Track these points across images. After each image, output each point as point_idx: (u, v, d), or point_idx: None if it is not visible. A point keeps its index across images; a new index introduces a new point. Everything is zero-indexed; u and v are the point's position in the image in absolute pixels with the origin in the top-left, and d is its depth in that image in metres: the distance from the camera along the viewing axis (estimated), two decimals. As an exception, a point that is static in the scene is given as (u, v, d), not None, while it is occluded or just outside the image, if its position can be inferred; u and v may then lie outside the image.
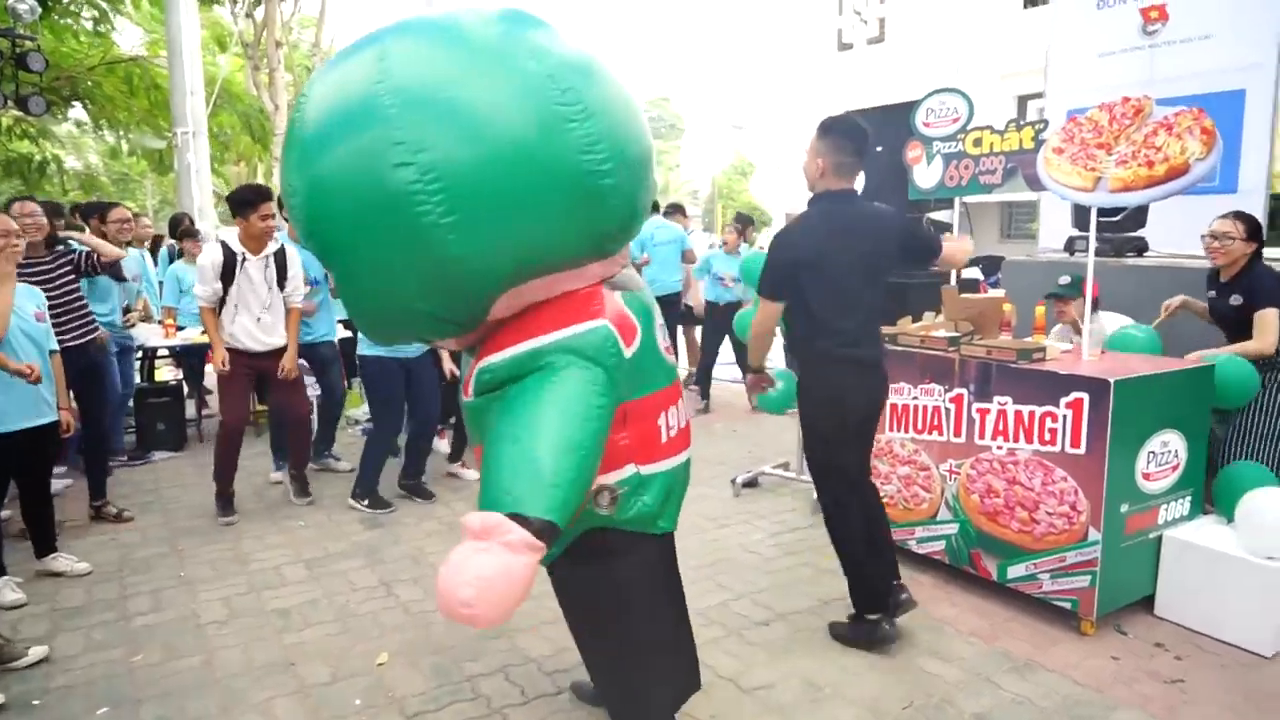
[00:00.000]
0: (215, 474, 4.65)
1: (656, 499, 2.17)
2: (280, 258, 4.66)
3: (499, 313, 2.02)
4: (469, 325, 2.03)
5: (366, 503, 4.75)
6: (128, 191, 28.74)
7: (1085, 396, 3.12)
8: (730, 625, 3.35)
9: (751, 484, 5.11)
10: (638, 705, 2.33)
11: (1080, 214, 5.04)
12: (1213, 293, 3.82)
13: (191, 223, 7.89)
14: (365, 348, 4.64)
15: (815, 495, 4.68)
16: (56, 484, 4.51)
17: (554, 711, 2.77)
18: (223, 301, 4.54)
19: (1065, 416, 3.19)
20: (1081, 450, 3.16)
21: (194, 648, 3.22)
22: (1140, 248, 4.94)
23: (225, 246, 4.54)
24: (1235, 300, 3.64)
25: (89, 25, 12.67)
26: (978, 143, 3.83)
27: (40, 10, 8.63)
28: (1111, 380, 3.06)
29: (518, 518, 1.74)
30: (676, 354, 6.95)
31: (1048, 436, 3.26)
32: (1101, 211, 5.02)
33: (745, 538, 4.31)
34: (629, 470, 2.11)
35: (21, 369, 3.37)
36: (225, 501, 4.67)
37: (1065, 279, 4.14)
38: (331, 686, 2.93)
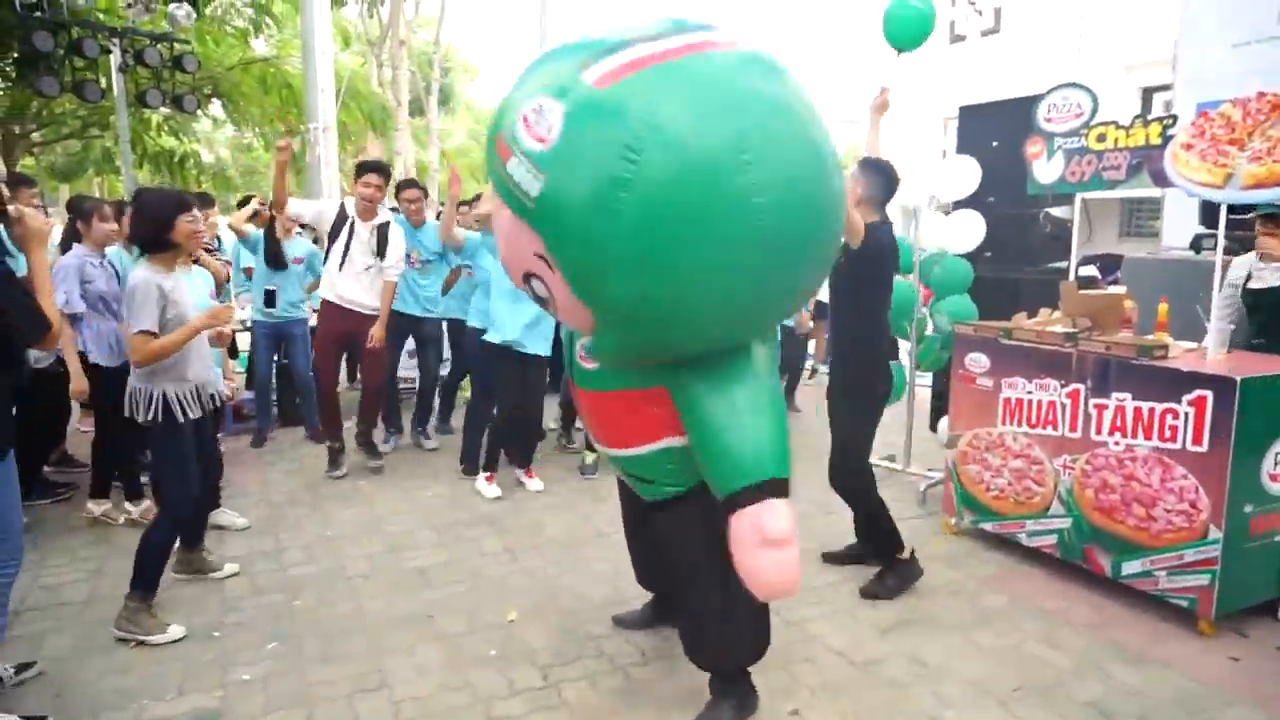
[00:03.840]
0: (323, 428, 5.27)
1: None
2: (383, 230, 5.07)
3: None
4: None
5: (463, 469, 5.23)
6: (253, 183, 30.52)
7: (1209, 394, 3.11)
8: (840, 604, 3.47)
9: (856, 474, 5.18)
10: (730, 649, 2.61)
11: (1208, 211, 4.91)
12: None
13: None
14: (474, 323, 5.08)
15: (921, 488, 4.77)
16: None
17: (674, 669, 2.95)
18: (328, 255, 5.07)
19: (1187, 414, 3.18)
20: (1204, 448, 3.14)
21: (344, 596, 3.55)
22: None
23: (343, 207, 5.06)
24: None
25: (241, 28, 13.55)
26: (1101, 138, 3.81)
27: (195, 15, 9.34)
28: (1238, 378, 3.04)
29: (772, 482, 2.16)
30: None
31: (1168, 433, 3.25)
32: (1231, 209, 4.91)
33: (849, 525, 4.40)
34: None
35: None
36: (333, 455, 5.20)
37: None
38: (467, 637, 3.21)
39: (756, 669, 2.86)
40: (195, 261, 4.16)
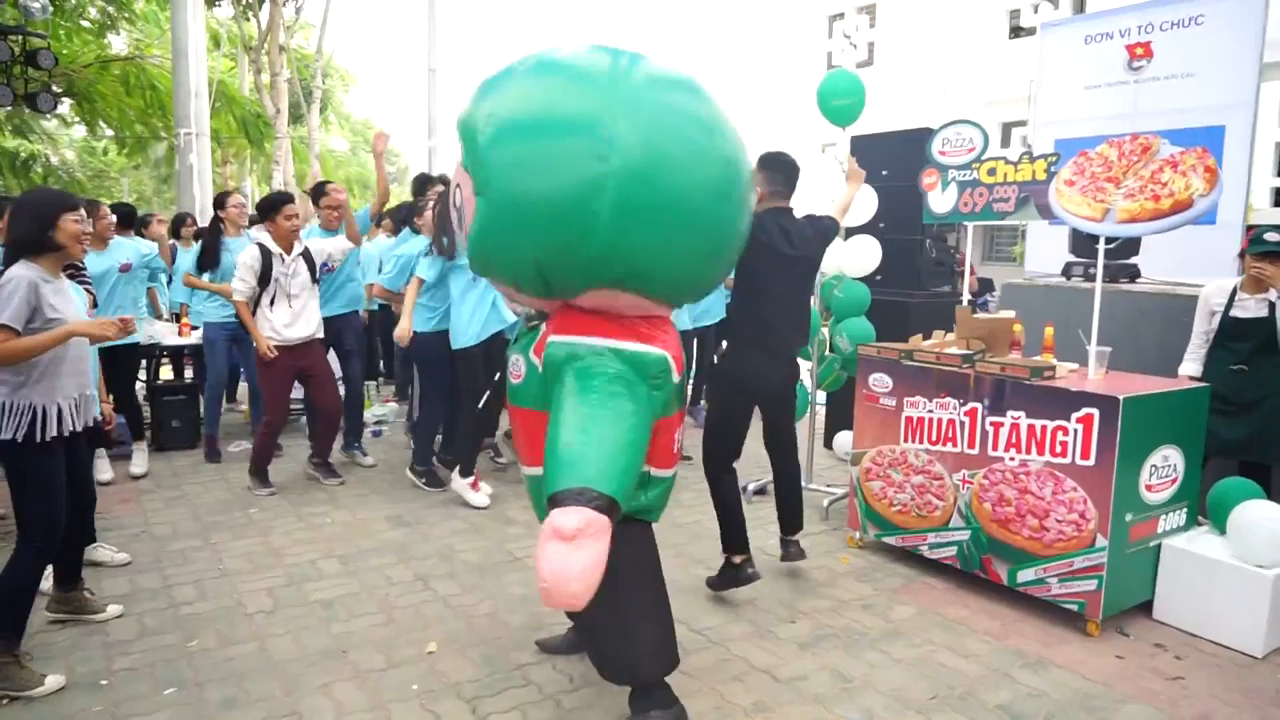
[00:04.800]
0: (253, 466, 5.15)
1: (656, 498, 2.76)
2: (307, 255, 5.03)
3: (584, 303, 2.56)
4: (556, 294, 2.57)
5: (424, 480, 5.24)
6: (103, 188, 28.50)
7: (1096, 412, 3.36)
8: (760, 623, 3.53)
9: (761, 492, 5.30)
10: (633, 665, 2.70)
11: (1078, 241, 5.33)
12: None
13: (194, 222, 7.97)
14: (420, 326, 5.06)
15: (825, 503, 4.93)
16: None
17: (602, 694, 2.93)
18: (258, 299, 4.88)
19: (1076, 430, 3.43)
20: (1091, 462, 3.39)
21: (246, 634, 3.34)
22: (1133, 274, 5.22)
23: (262, 247, 4.87)
24: None
25: (95, 20, 12.67)
26: (992, 172, 4.08)
27: (51, 8, 8.67)
28: (1121, 398, 3.30)
29: (589, 492, 2.20)
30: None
31: (1059, 449, 3.49)
32: (1094, 239, 5.33)
33: (760, 542, 4.48)
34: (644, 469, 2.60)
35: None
36: (263, 477, 5.15)
37: (1275, 235, 3.76)
38: (387, 673, 3.07)
39: (689, 693, 2.88)
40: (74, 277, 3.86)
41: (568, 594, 2.06)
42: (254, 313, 4.92)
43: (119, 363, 5.18)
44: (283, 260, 4.92)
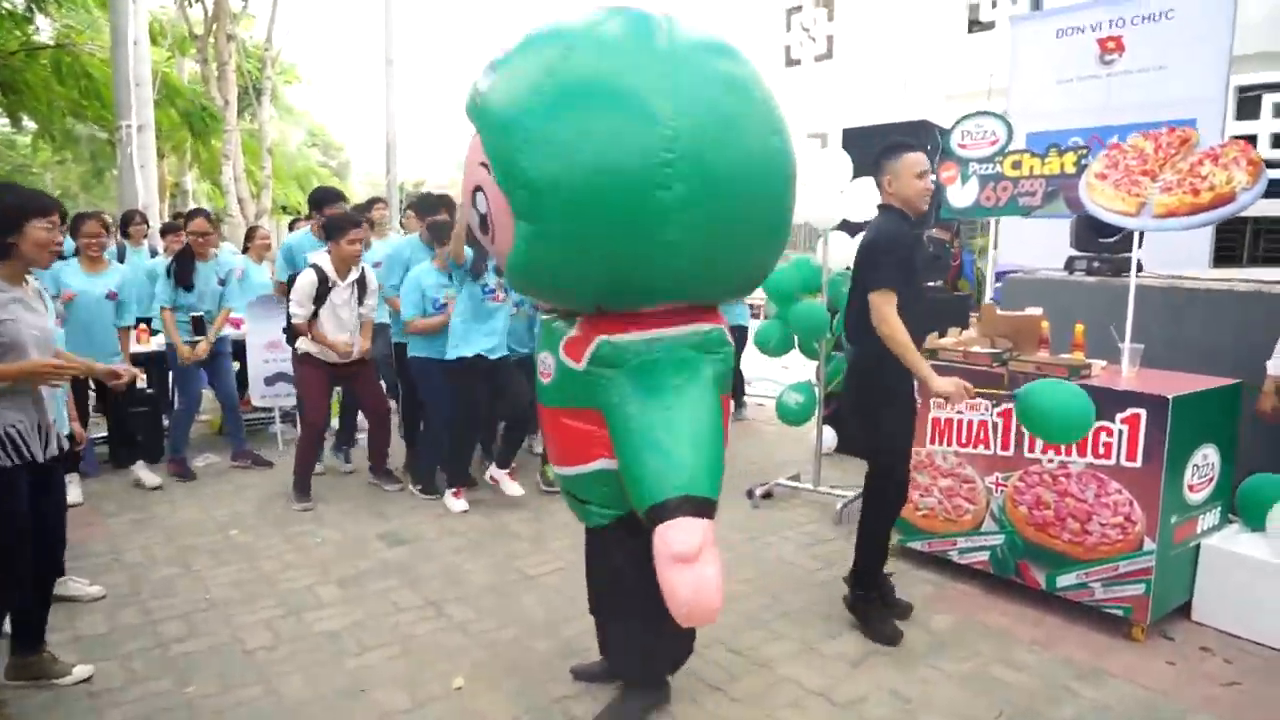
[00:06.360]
0: (296, 469, 4.95)
1: None
2: (361, 280, 4.93)
3: None
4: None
5: (420, 488, 5.09)
6: (25, 183, 27.06)
7: (1143, 412, 3.26)
8: (804, 639, 3.36)
9: (767, 496, 5.14)
10: (648, 665, 2.72)
11: (1081, 235, 5.27)
12: None
13: (144, 220, 7.51)
14: (411, 350, 4.97)
15: (839, 506, 4.78)
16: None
17: (655, 731, 2.72)
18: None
19: (1121, 431, 3.33)
20: (1138, 463, 3.30)
21: (249, 676, 3.04)
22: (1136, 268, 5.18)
23: (319, 270, 4.74)
24: None
25: (15, 10, 11.90)
26: (1017, 165, 3.96)
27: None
28: (1170, 397, 3.21)
29: (691, 500, 2.15)
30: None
31: (1102, 450, 3.39)
32: (1099, 233, 5.27)
33: (779, 550, 4.34)
34: None
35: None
36: (304, 488, 4.94)
37: None
38: (414, 713, 2.82)
39: (750, 722, 2.70)
40: None
41: (711, 611, 2.08)
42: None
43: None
44: (338, 286, 4.80)
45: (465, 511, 4.76)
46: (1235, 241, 9.20)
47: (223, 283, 5.48)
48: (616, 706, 2.75)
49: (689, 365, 2.38)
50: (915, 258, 3.40)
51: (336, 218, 4.95)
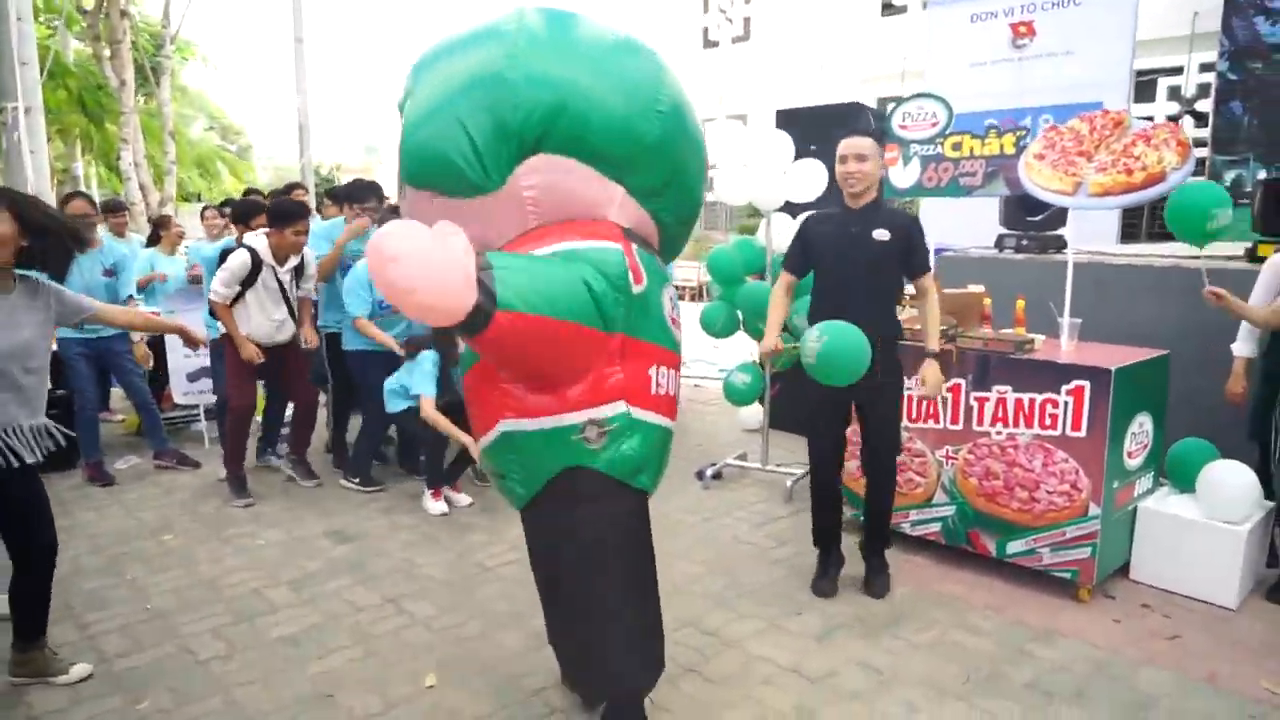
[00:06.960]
0: (227, 459, 4.81)
1: (641, 449, 2.32)
2: (300, 266, 4.77)
3: (526, 182, 2.26)
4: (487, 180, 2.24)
5: (358, 481, 4.97)
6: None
7: (1087, 384, 3.40)
8: (768, 617, 3.40)
9: (718, 476, 5.18)
10: (607, 673, 2.46)
11: (1010, 214, 5.47)
12: None
13: (124, 208, 7.01)
14: (349, 344, 4.90)
15: (788, 484, 4.85)
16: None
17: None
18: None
19: (1066, 403, 3.46)
20: (1082, 433, 3.44)
21: (206, 688, 2.89)
22: (1060, 245, 5.41)
23: (254, 254, 4.54)
24: None
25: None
26: (957, 146, 4.06)
27: None
28: (1113, 369, 3.35)
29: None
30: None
31: (1048, 421, 3.52)
32: (1028, 210, 5.46)
33: (733, 530, 4.37)
34: (620, 407, 2.27)
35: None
36: (240, 484, 4.78)
37: None
38: (388, 715, 2.73)
39: (726, 705, 2.73)
40: None
41: (385, 254, 1.84)
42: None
43: None
44: (273, 271, 4.63)
45: (445, 514, 4.58)
46: (1137, 219, 9.68)
47: (110, 273, 5.19)
48: None
49: (586, 275, 2.20)
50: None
51: (287, 205, 4.80)
